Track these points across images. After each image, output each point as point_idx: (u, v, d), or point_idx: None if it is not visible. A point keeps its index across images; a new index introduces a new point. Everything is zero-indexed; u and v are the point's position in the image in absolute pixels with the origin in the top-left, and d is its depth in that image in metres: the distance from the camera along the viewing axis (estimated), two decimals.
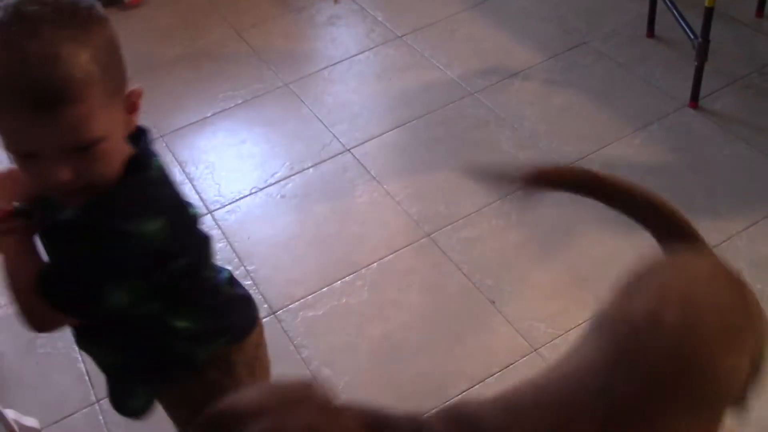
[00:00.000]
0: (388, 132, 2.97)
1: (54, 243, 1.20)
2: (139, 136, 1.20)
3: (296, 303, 2.35)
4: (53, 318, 1.20)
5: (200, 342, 1.36)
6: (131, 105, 1.14)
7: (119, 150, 1.11)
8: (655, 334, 1.15)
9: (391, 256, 2.47)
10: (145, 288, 1.20)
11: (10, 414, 1.98)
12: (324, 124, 3.03)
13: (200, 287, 1.39)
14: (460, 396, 2.04)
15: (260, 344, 1.55)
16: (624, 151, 2.75)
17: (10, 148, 1.03)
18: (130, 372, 1.41)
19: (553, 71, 3.16)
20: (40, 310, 1.16)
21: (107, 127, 1.04)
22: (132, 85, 1.17)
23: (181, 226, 1.24)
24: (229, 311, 1.47)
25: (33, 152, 1.01)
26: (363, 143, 2.93)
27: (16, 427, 1.98)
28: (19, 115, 0.96)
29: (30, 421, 2.07)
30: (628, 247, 2.37)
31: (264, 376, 1.60)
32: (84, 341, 1.41)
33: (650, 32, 3.24)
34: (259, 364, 1.55)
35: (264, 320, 2.29)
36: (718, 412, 1.20)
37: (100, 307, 1.17)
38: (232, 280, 1.51)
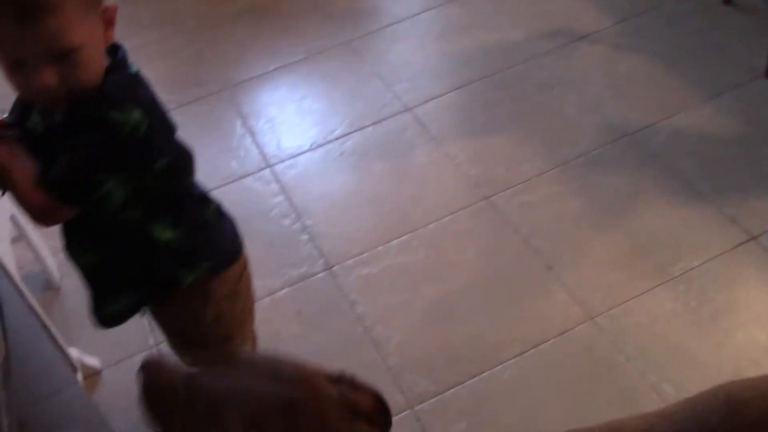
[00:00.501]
0: (449, 93, 2.93)
1: (49, 146, 1.30)
2: (115, 51, 1.32)
3: (352, 260, 2.36)
4: (53, 211, 1.30)
5: (182, 262, 1.40)
6: (108, 20, 1.24)
7: (97, 60, 1.22)
8: None
9: (448, 217, 2.45)
10: (135, 185, 1.31)
11: (74, 352, 2.04)
12: (385, 83, 3.01)
13: (183, 200, 1.47)
14: (514, 360, 2.04)
15: (243, 278, 1.59)
16: (693, 121, 2.67)
17: (0, 57, 1.13)
18: (113, 276, 1.48)
19: (622, 36, 3.07)
20: (41, 204, 1.26)
21: (85, 37, 1.16)
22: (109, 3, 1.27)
23: (160, 122, 1.36)
24: (213, 237, 1.52)
25: (19, 59, 1.12)
26: (423, 103, 2.90)
27: (78, 365, 2.05)
28: (5, 25, 1.08)
29: (92, 361, 2.14)
30: (691, 220, 2.32)
31: (245, 311, 1.64)
32: (72, 246, 1.48)
33: None
34: (241, 298, 1.59)
35: (319, 275, 2.33)
36: None
37: (95, 199, 1.27)
38: (219, 211, 1.57)
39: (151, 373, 1.01)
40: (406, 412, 1.96)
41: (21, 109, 1.37)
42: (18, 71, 1.15)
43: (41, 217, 1.33)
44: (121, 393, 2.09)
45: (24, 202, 1.30)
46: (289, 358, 1.03)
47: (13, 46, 1.12)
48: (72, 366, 2.00)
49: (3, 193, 1.35)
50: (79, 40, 1.15)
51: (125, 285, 1.47)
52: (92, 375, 2.14)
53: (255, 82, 3.12)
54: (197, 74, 3.18)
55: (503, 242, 2.36)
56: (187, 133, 3.01)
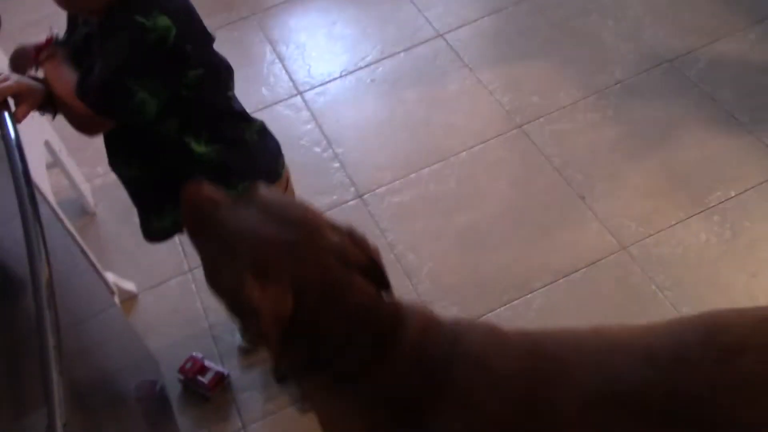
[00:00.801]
0: (483, 18, 2.86)
1: (85, 53, 1.35)
2: None
3: (383, 188, 2.36)
4: (93, 122, 1.34)
5: (219, 179, 1.41)
6: None
7: None
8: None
9: (480, 146, 2.43)
10: (168, 95, 1.33)
11: (110, 277, 2.09)
12: (417, 7, 2.94)
13: (221, 115, 1.47)
14: (545, 288, 2.04)
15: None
16: (736, 47, 2.58)
17: None
18: (156, 191, 1.51)
19: None
20: (82, 114, 1.31)
21: None
22: None
23: (192, 32, 1.37)
24: (252, 157, 1.52)
25: None
26: (456, 29, 2.83)
27: (115, 289, 2.10)
28: None
29: (128, 285, 2.18)
30: (729, 149, 2.27)
31: None
32: (115, 160, 1.51)
33: None
34: None
35: (350, 203, 2.33)
36: None
37: (128, 108, 1.30)
38: (262, 131, 1.57)
39: (192, 192, 1.15)
40: None
41: (70, 26, 1.42)
42: None
43: (82, 127, 1.36)
44: (156, 315, 2.15)
45: (66, 113, 1.34)
46: (302, 204, 1.14)
47: None
48: (109, 290, 2.04)
49: (54, 116, 1.36)
50: None
51: (168, 200, 1.48)
52: (129, 299, 2.19)
53: (285, 7, 3.07)
54: None
55: (536, 171, 2.34)
56: None
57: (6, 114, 1.23)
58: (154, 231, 1.57)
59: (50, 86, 1.32)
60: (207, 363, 1.96)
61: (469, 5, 2.92)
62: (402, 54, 2.78)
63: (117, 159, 1.51)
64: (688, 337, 1.12)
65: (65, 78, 1.34)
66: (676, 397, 1.06)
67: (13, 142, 1.16)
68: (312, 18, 3.02)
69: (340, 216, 2.31)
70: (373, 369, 1.09)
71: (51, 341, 0.88)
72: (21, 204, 1.05)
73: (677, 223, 2.13)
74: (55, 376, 0.86)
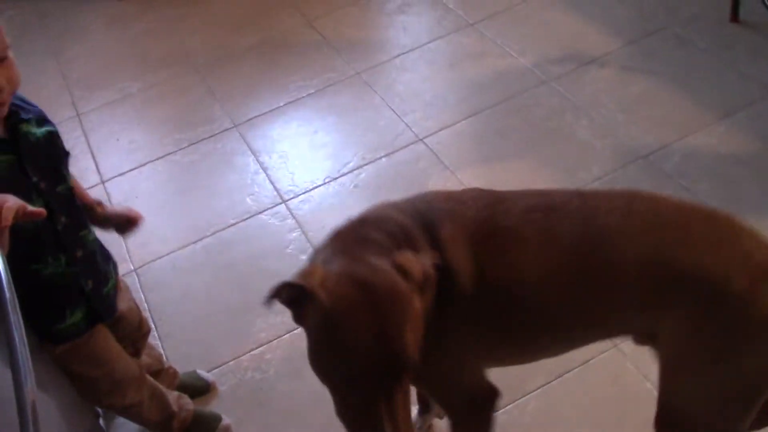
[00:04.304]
0: (461, 121, 2.94)
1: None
2: None
3: None
4: None
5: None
6: None
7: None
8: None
9: None
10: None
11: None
12: (396, 114, 3.02)
13: None
14: (539, 390, 2.01)
15: None
16: (708, 141, 2.66)
17: None
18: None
19: (631, 58, 3.07)
20: None
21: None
22: None
23: None
24: None
25: None
26: (436, 132, 2.90)
27: (100, 411, 2.03)
28: None
29: None
30: None
31: None
32: None
33: (734, 16, 3.12)
34: None
35: None
36: None
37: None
38: None
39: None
40: None
41: None
42: None
43: None
44: None
45: None
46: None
47: None
48: (94, 412, 1.98)
49: None
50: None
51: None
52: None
53: (266, 118, 3.13)
54: (209, 112, 3.20)
55: None
56: (200, 170, 3.03)
57: None
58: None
59: None
60: None
61: (447, 109, 3.00)
62: (384, 159, 2.83)
63: None
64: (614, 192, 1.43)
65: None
66: (582, 208, 1.36)
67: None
68: (294, 127, 3.08)
69: None
70: None
71: None
72: (8, 327, 1.03)
73: None
74: None
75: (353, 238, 1.29)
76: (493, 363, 1.54)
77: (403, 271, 1.16)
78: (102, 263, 1.63)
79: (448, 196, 1.44)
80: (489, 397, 1.52)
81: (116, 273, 1.72)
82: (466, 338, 1.37)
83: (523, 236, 1.35)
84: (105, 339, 1.67)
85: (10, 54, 1.32)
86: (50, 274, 1.48)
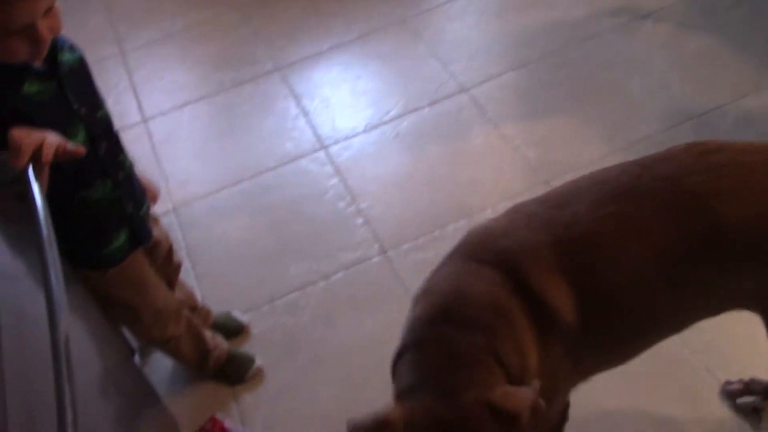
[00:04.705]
0: (507, 72, 2.86)
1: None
2: None
3: (407, 244, 2.33)
4: None
5: None
6: None
7: None
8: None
9: (505, 202, 2.39)
10: None
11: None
12: (441, 63, 2.95)
13: None
14: None
15: None
16: (764, 103, 2.55)
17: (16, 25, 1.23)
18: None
19: (689, 13, 2.95)
20: None
21: None
22: None
23: None
24: None
25: (29, 23, 1.24)
26: (480, 84, 2.83)
27: (134, 345, 2.06)
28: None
29: None
30: None
31: None
32: None
33: None
34: None
35: (374, 259, 2.30)
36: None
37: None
38: None
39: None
40: None
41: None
42: (21, 36, 1.24)
43: None
44: (176, 372, 2.11)
45: None
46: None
47: (32, 12, 1.24)
48: (128, 346, 2.01)
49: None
50: None
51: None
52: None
53: (309, 62, 3.09)
54: (252, 53, 3.16)
55: None
56: (241, 112, 3.01)
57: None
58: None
59: None
60: (228, 425, 1.92)
61: (494, 60, 2.93)
62: (426, 109, 2.78)
63: None
64: (680, 157, 1.29)
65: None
66: (654, 179, 1.25)
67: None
68: (336, 73, 3.03)
69: (363, 272, 2.28)
70: None
71: (69, 415, 0.85)
72: (44, 264, 1.04)
73: None
74: None
75: (439, 350, 1.16)
76: (585, 377, 1.40)
77: (496, 412, 1.05)
78: (138, 187, 1.66)
79: (501, 232, 1.30)
80: (566, 410, 1.48)
81: (146, 198, 1.73)
82: (569, 367, 1.27)
83: (606, 237, 1.23)
84: (145, 265, 1.71)
85: (57, 4, 1.31)
86: (98, 199, 1.51)
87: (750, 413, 1.78)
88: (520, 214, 1.32)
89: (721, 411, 1.81)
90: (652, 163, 1.29)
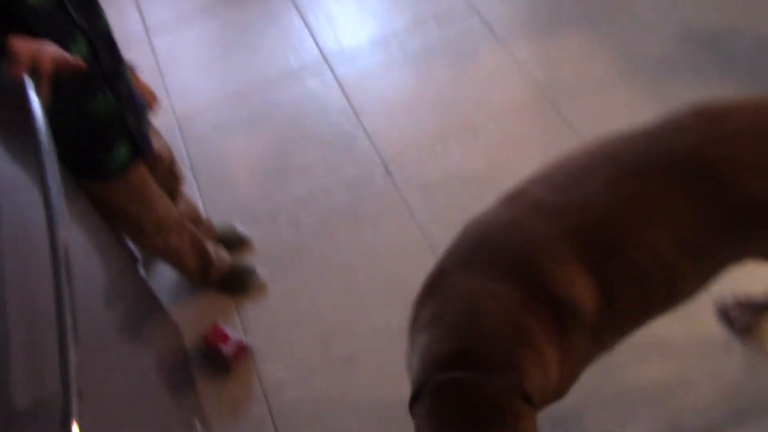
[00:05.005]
0: None
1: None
2: None
3: (410, 161, 2.32)
4: None
5: None
6: None
7: None
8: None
9: (511, 120, 2.38)
10: None
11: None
12: None
13: None
14: None
15: None
16: None
17: None
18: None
19: None
20: None
21: None
22: None
23: None
24: None
25: None
26: (489, 2, 2.77)
27: (138, 255, 2.09)
28: None
29: None
30: None
31: None
32: None
33: None
34: None
35: (376, 175, 2.30)
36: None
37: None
38: None
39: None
40: None
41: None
42: None
43: None
44: (179, 282, 2.15)
45: None
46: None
47: None
48: (132, 255, 2.04)
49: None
50: None
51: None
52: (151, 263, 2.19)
53: None
54: None
55: (567, 148, 2.28)
56: (245, 26, 2.95)
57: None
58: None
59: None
60: (230, 333, 1.96)
61: None
62: (433, 26, 2.72)
63: None
64: (689, 123, 1.26)
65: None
66: (672, 152, 1.21)
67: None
68: None
69: (365, 188, 2.28)
70: None
71: (69, 320, 0.87)
72: (41, 171, 1.04)
73: None
74: (71, 341, 0.85)
75: (461, 400, 1.09)
76: (608, 350, 1.33)
77: None
78: (138, 99, 1.65)
79: (506, 227, 1.22)
80: None
81: (146, 110, 1.73)
82: (592, 351, 1.24)
83: (625, 218, 1.17)
84: (146, 176, 1.71)
85: None
86: (102, 111, 1.50)
87: (742, 329, 1.81)
88: (524, 204, 1.24)
89: (715, 327, 1.84)
90: (662, 134, 1.23)
